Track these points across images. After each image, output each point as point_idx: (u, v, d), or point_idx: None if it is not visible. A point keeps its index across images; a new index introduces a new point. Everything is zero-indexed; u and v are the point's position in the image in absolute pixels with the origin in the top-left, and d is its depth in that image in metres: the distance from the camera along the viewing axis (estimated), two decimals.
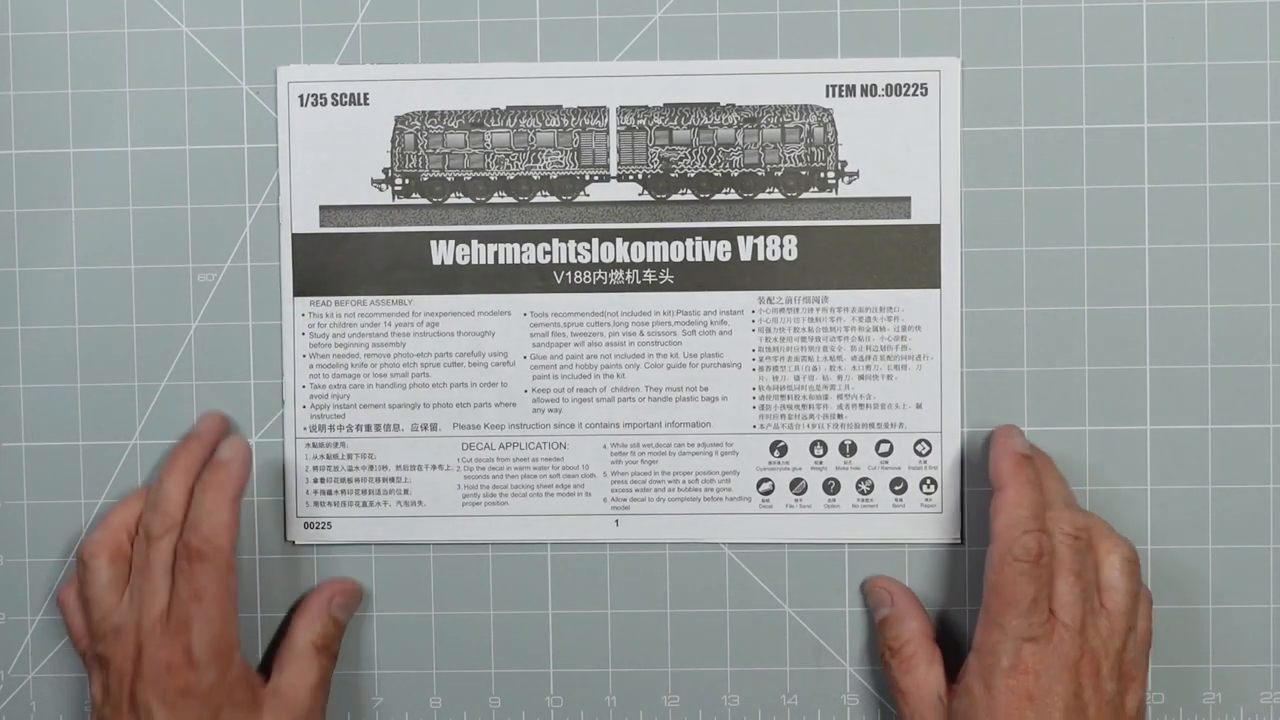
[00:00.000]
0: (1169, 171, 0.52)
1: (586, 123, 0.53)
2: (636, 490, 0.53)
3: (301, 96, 0.53)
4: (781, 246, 0.53)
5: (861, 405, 0.53)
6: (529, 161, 0.53)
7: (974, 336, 0.53)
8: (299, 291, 0.53)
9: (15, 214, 0.53)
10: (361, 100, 0.53)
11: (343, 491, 0.53)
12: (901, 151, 0.52)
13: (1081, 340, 0.52)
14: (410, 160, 0.53)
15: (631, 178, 0.53)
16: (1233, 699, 0.53)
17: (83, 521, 0.53)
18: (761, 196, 0.53)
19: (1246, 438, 0.52)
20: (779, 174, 0.53)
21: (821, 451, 0.53)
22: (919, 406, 0.53)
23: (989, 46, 0.52)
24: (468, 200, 0.53)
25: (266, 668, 0.52)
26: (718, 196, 0.53)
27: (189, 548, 0.49)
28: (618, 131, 0.53)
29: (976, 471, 0.53)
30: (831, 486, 0.53)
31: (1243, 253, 0.52)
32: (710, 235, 0.53)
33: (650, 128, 0.53)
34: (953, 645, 0.52)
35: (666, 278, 0.53)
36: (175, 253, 0.53)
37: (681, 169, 0.53)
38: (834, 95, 0.52)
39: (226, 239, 0.53)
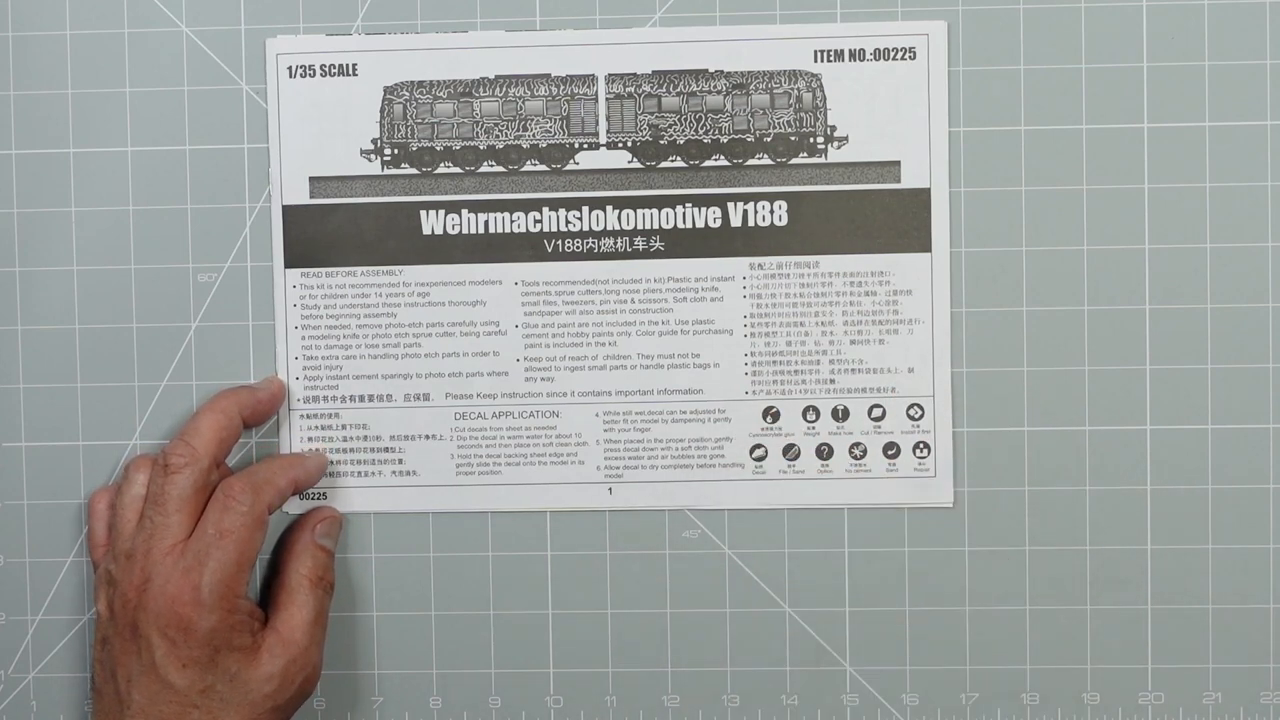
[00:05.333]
0: (1169, 171, 0.52)
1: (575, 91, 0.53)
2: (629, 458, 0.53)
3: (290, 68, 0.53)
4: (772, 212, 0.53)
5: (854, 370, 0.53)
6: (518, 130, 0.53)
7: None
8: (290, 263, 0.53)
9: (15, 214, 0.53)
10: (350, 71, 0.53)
11: (337, 462, 0.53)
12: (890, 115, 0.52)
13: (1081, 340, 0.52)
14: (399, 130, 0.53)
15: (621, 145, 0.53)
16: (1233, 699, 0.53)
17: (82, 521, 0.53)
18: (751, 162, 0.53)
19: (1246, 438, 0.52)
20: (768, 140, 0.53)
21: (814, 417, 0.53)
22: (911, 371, 0.53)
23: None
24: (457, 170, 0.53)
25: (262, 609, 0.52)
26: (707, 163, 0.53)
27: (232, 488, 0.49)
28: (606, 99, 0.53)
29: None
30: (825, 452, 0.53)
31: (1243, 253, 0.52)
32: (700, 202, 0.53)
33: (639, 95, 0.53)
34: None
35: (657, 245, 0.53)
36: (175, 253, 0.53)
37: (671, 136, 0.53)
38: (822, 60, 0.52)
39: (226, 239, 0.53)
